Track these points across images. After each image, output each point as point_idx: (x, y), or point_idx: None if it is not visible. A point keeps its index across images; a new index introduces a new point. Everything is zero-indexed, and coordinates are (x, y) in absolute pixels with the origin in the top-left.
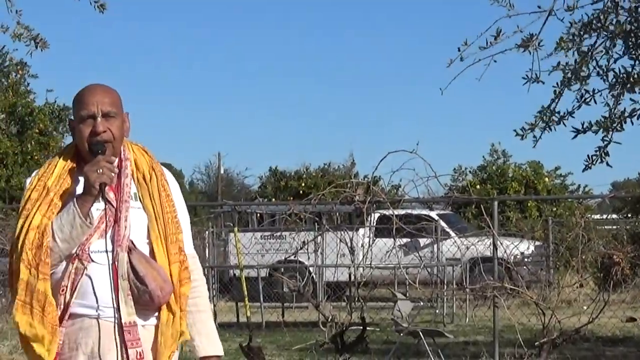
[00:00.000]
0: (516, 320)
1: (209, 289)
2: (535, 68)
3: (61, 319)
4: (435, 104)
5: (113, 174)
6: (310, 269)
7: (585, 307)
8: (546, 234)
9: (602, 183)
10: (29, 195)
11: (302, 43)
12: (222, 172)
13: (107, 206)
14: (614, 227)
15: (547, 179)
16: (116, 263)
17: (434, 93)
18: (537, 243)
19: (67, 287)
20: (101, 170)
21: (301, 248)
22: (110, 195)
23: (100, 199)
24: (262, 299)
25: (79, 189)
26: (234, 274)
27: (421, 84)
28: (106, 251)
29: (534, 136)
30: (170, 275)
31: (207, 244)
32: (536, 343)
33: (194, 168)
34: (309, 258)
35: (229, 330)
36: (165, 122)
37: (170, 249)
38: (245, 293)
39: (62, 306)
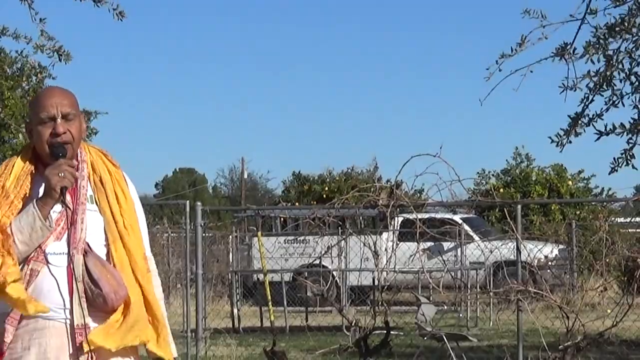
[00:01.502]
0: (540, 324)
1: (233, 294)
2: (571, 76)
3: (12, 319)
4: (459, 107)
5: (74, 178)
6: (334, 273)
7: (609, 311)
8: (570, 238)
9: (626, 186)
10: None
11: (327, 48)
12: (245, 176)
13: (63, 208)
14: (638, 230)
15: (570, 182)
16: (72, 265)
17: (457, 97)
18: (561, 246)
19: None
20: (63, 174)
21: (325, 252)
22: (67, 198)
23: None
24: (285, 304)
25: (39, 192)
26: (258, 279)
27: (445, 88)
28: (62, 253)
29: (570, 142)
30: (136, 278)
31: (230, 249)
32: (560, 347)
33: (218, 172)
34: (332, 262)
35: (253, 335)
36: (190, 127)
37: (131, 253)
38: (269, 297)
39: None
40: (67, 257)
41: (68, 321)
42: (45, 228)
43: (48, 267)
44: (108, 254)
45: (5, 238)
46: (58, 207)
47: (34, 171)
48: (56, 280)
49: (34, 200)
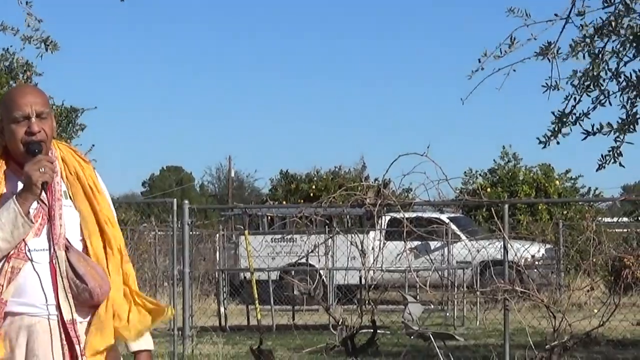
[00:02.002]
0: (527, 323)
1: (220, 292)
2: (554, 75)
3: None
4: (446, 107)
5: (54, 172)
6: (321, 271)
7: (596, 310)
8: (557, 237)
9: (613, 186)
10: None
11: (313, 46)
12: (232, 175)
13: (39, 205)
14: (625, 230)
15: (557, 182)
16: (54, 261)
17: (445, 96)
18: (548, 246)
19: (2, 286)
20: (43, 169)
21: (312, 251)
22: (43, 194)
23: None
24: (272, 302)
25: (13, 189)
26: (245, 277)
27: (432, 87)
28: (43, 250)
29: (558, 142)
30: (109, 271)
31: (217, 247)
32: (547, 346)
33: (205, 171)
34: (319, 261)
35: (240, 333)
36: (177, 126)
37: (108, 245)
38: (256, 296)
39: None
40: (47, 253)
41: (55, 317)
42: (27, 224)
43: (30, 263)
44: (85, 248)
45: None
46: (34, 204)
47: (5, 169)
48: (39, 277)
49: (14, 196)
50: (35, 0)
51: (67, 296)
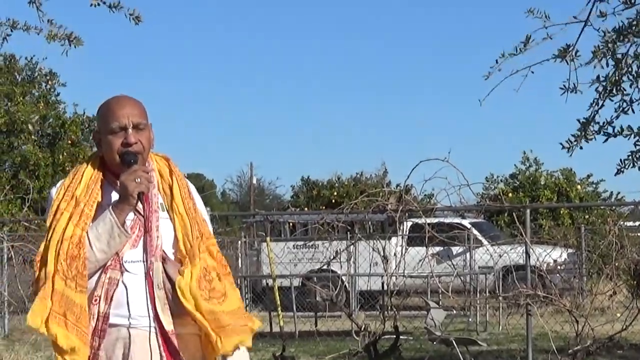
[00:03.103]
0: (549, 328)
1: (242, 299)
2: (572, 78)
3: (99, 330)
4: (467, 112)
5: (150, 183)
6: (343, 278)
7: (618, 315)
8: (579, 242)
9: (635, 190)
10: (58, 206)
11: (334, 53)
12: (254, 182)
13: (136, 216)
14: None
15: (579, 187)
16: (151, 273)
17: (465, 101)
18: (570, 251)
19: (100, 297)
20: (139, 180)
21: (334, 257)
22: (139, 205)
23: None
24: (295, 309)
25: (109, 199)
26: (267, 284)
27: (453, 92)
28: (139, 261)
29: (581, 147)
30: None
31: (239, 254)
32: (570, 351)
33: (226, 178)
34: (341, 267)
35: (262, 340)
36: (197, 133)
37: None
38: (278, 302)
39: (95, 316)
40: (143, 264)
41: (152, 329)
42: (123, 235)
43: (126, 275)
44: (179, 260)
45: (73, 263)
46: (131, 215)
47: (102, 180)
48: (136, 289)
49: (110, 207)
50: (57, 12)
51: (163, 307)
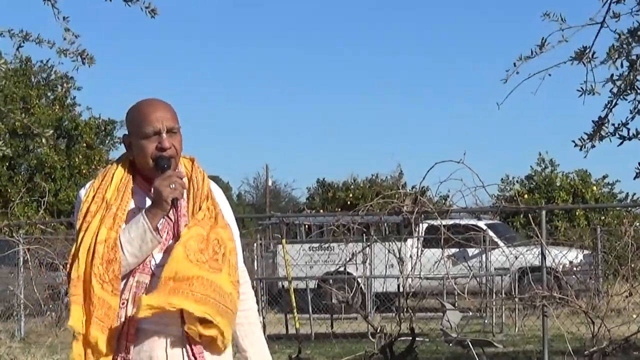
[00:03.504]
0: (565, 330)
1: (258, 301)
2: (590, 80)
3: (127, 333)
4: (483, 114)
5: (184, 188)
6: (359, 280)
7: (634, 316)
8: (595, 243)
9: None
10: (88, 208)
11: (351, 54)
12: (269, 184)
13: (164, 220)
14: None
15: (595, 188)
16: None
17: (481, 103)
18: (586, 252)
19: (127, 300)
20: (174, 185)
21: (350, 259)
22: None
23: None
24: (311, 311)
25: (138, 203)
26: (283, 286)
27: (468, 94)
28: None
29: (593, 146)
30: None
31: (255, 256)
32: (586, 352)
33: (242, 180)
34: (357, 269)
35: (278, 342)
36: (214, 135)
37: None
38: (294, 305)
39: (123, 319)
40: None
41: (180, 332)
42: (156, 240)
43: (154, 278)
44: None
45: (109, 267)
46: (160, 219)
47: (131, 183)
48: None
49: (143, 211)
50: (72, 13)
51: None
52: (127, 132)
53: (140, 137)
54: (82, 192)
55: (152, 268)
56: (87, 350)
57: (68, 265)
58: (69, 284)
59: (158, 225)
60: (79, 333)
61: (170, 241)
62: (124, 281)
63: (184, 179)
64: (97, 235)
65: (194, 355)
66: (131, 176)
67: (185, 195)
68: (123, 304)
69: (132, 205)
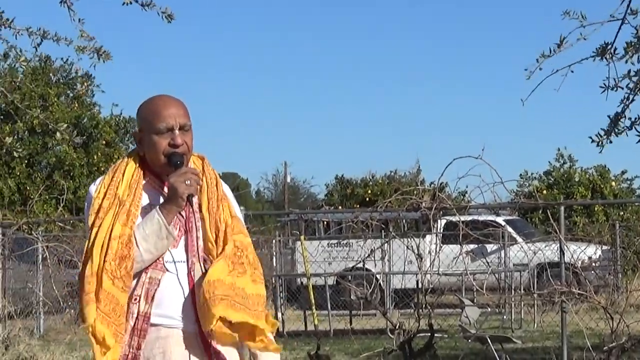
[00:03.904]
0: (584, 325)
1: (276, 298)
2: (612, 76)
3: (139, 329)
4: (501, 110)
5: (199, 185)
6: (378, 276)
7: None
8: (613, 238)
9: None
10: (100, 204)
11: (368, 50)
12: (288, 180)
13: (177, 216)
14: None
15: (613, 183)
16: (192, 273)
17: (499, 99)
18: (605, 247)
19: (140, 296)
20: (189, 182)
21: (368, 256)
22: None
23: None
24: (329, 307)
25: (151, 200)
26: (302, 282)
27: (487, 89)
28: (181, 261)
29: (610, 141)
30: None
31: (274, 253)
32: (605, 348)
33: (261, 177)
34: (375, 265)
35: (297, 339)
36: (232, 132)
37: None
38: (313, 301)
39: (135, 315)
40: (185, 264)
41: (193, 329)
42: (171, 236)
43: (167, 275)
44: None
45: (122, 263)
46: None
47: (142, 179)
48: (177, 289)
49: (157, 207)
50: (90, 10)
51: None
52: (138, 128)
53: (152, 133)
54: (93, 188)
55: (165, 264)
56: (101, 345)
57: (81, 263)
58: (82, 281)
59: None
60: (94, 332)
61: (182, 237)
62: (137, 278)
63: (199, 175)
64: (111, 232)
65: (209, 350)
66: (142, 172)
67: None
68: (135, 300)
69: (143, 201)
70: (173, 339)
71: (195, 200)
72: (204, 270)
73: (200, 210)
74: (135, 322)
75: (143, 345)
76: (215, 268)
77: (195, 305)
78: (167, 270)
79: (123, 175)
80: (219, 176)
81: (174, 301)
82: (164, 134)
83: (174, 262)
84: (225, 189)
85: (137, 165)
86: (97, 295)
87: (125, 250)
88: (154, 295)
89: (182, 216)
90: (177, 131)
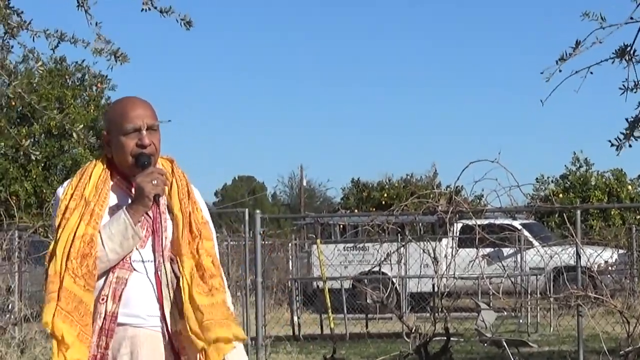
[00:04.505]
0: (601, 329)
1: (292, 302)
2: (632, 77)
3: (107, 329)
4: (517, 113)
5: (165, 185)
6: (394, 280)
7: None
8: (630, 242)
9: None
10: (67, 205)
11: (384, 53)
12: (304, 184)
13: (144, 216)
14: None
15: (630, 187)
16: (159, 273)
17: (515, 102)
18: (621, 251)
19: (107, 296)
20: (156, 182)
21: (384, 259)
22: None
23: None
24: (345, 311)
25: (118, 200)
26: (318, 286)
27: (503, 93)
28: (148, 261)
29: (630, 145)
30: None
31: (290, 256)
32: (621, 352)
33: (277, 180)
34: (392, 269)
35: (313, 342)
36: (248, 136)
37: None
38: (329, 305)
39: (103, 315)
40: (152, 264)
41: (160, 328)
42: (137, 236)
43: (135, 274)
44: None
45: (83, 261)
46: None
47: (109, 180)
48: (144, 288)
49: (124, 208)
50: (107, 12)
51: (171, 307)
52: (105, 131)
53: (120, 134)
54: (60, 190)
55: (132, 264)
56: (60, 343)
57: (46, 262)
58: (46, 280)
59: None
60: (52, 330)
61: (150, 237)
62: (104, 277)
63: (166, 175)
64: (75, 232)
65: (175, 349)
66: (109, 173)
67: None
68: (103, 299)
69: (110, 202)
70: (140, 338)
71: (162, 200)
72: (171, 270)
73: (170, 211)
74: (102, 322)
75: (111, 345)
76: (192, 295)
77: (162, 305)
78: (135, 269)
79: (90, 177)
80: (189, 180)
81: (142, 300)
82: (132, 135)
83: (141, 262)
84: (196, 192)
85: (105, 166)
86: (58, 294)
87: (87, 248)
88: (121, 295)
89: (150, 216)
90: (144, 132)
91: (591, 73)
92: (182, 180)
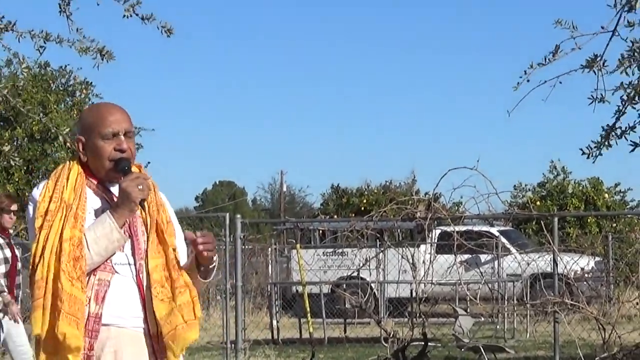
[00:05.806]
0: (577, 336)
1: (272, 306)
2: (600, 88)
3: (90, 330)
4: (496, 121)
5: (150, 190)
6: (372, 285)
7: None
8: (606, 250)
9: None
10: (47, 207)
11: (365, 59)
12: (284, 189)
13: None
14: None
15: (607, 195)
16: (140, 275)
17: (493, 110)
18: (597, 259)
19: (90, 298)
20: (142, 187)
21: (363, 265)
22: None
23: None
24: (324, 315)
25: (94, 204)
26: (297, 291)
27: (482, 101)
28: (127, 264)
29: (600, 154)
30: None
31: (270, 261)
32: (596, 358)
33: (257, 186)
34: (370, 274)
35: (292, 346)
36: (229, 141)
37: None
38: (308, 309)
39: (86, 317)
40: (133, 266)
41: (142, 330)
42: (122, 239)
43: (116, 276)
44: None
45: (76, 264)
46: None
47: (85, 184)
48: (127, 290)
49: (108, 211)
50: (92, 20)
51: (150, 309)
52: (79, 135)
53: (97, 138)
54: (37, 192)
55: (114, 266)
56: (63, 345)
57: (30, 266)
58: (32, 286)
59: None
60: (42, 339)
61: (128, 241)
62: (86, 279)
63: (150, 180)
64: (61, 234)
65: (156, 350)
66: (84, 177)
67: None
68: (85, 302)
69: (89, 206)
70: (124, 339)
71: (145, 204)
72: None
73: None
74: (86, 324)
75: (95, 346)
76: (152, 308)
77: (145, 306)
78: (117, 272)
79: (67, 180)
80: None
81: (124, 302)
82: (110, 139)
83: (122, 265)
84: (162, 196)
85: (79, 171)
86: (59, 298)
87: (77, 251)
88: (104, 296)
89: (126, 220)
90: (122, 137)
91: (560, 82)
92: (152, 186)
